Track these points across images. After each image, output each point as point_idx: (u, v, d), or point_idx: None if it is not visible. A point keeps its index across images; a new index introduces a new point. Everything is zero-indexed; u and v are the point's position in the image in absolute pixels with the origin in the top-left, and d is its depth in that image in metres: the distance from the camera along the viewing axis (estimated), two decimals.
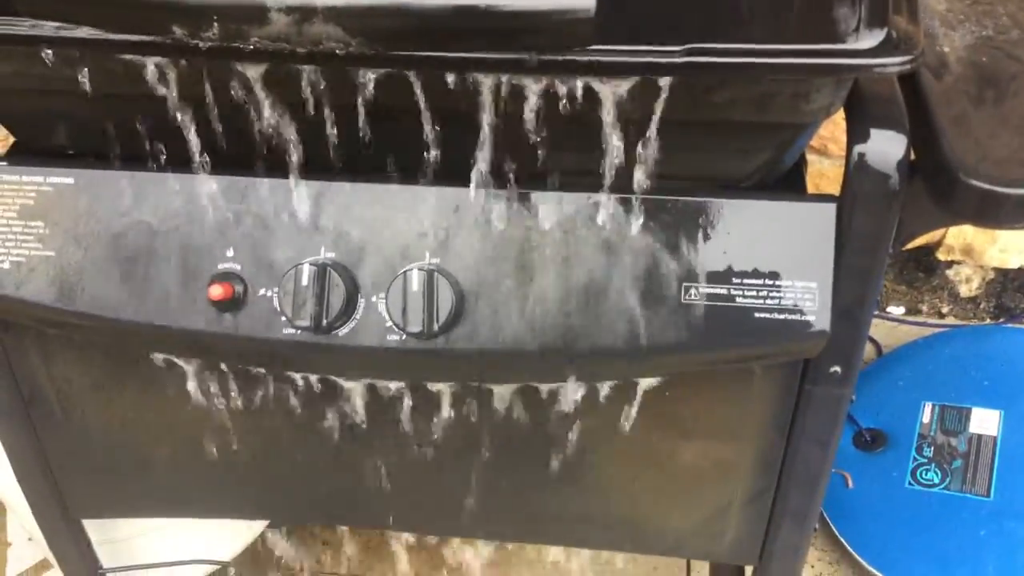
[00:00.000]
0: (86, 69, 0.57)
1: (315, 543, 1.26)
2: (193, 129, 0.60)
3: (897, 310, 1.51)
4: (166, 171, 0.64)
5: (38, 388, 0.78)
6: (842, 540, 1.16)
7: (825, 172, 1.22)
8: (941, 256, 1.45)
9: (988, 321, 1.50)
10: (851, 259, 0.61)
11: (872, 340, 1.41)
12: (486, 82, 0.54)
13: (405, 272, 0.62)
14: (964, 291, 1.48)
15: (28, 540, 1.20)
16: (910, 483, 1.17)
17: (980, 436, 1.19)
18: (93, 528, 0.92)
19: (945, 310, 1.50)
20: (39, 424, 0.81)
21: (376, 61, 0.52)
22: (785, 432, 0.71)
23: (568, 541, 0.86)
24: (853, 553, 1.15)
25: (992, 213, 0.56)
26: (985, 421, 1.20)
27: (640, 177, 0.60)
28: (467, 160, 0.61)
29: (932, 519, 1.13)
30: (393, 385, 0.71)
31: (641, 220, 0.62)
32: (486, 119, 0.56)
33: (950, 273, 1.47)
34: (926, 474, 1.17)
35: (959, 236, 1.41)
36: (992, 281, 1.47)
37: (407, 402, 0.72)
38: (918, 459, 1.19)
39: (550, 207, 0.62)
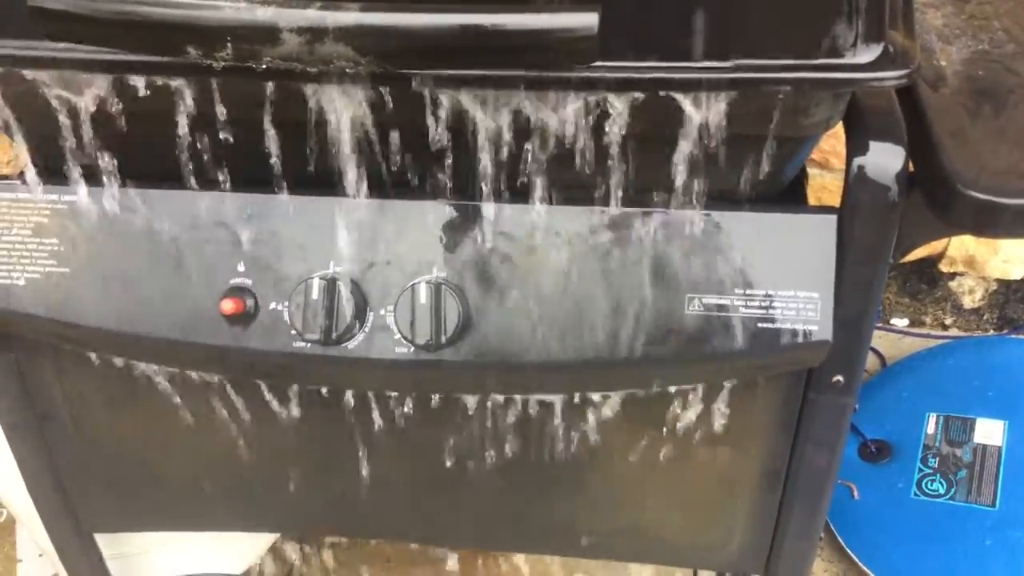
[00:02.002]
0: (101, 89, 0.58)
1: (325, 554, 1.26)
2: (206, 146, 0.62)
3: (901, 322, 1.51)
4: (178, 188, 0.66)
5: (51, 403, 0.79)
6: (848, 551, 1.16)
7: (827, 185, 1.23)
8: (944, 268, 1.45)
9: (991, 332, 1.50)
10: (852, 269, 0.62)
11: (876, 352, 1.41)
12: (491, 98, 0.55)
13: (413, 285, 0.63)
14: (967, 302, 1.49)
15: (39, 555, 1.21)
16: (915, 494, 1.17)
17: (985, 446, 1.19)
18: (105, 542, 0.93)
19: (948, 321, 1.51)
20: (51, 439, 0.82)
21: (385, 79, 0.53)
22: (790, 441, 0.72)
23: (574, 552, 0.87)
24: (859, 564, 1.15)
25: (990, 223, 0.57)
26: (989, 431, 1.21)
27: (644, 191, 0.61)
28: (474, 175, 0.62)
29: (937, 529, 1.13)
30: (402, 397, 0.72)
31: (646, 233, 0.63)
32: (492, 135, 0.57)
33: (953, 285, 1.48)
34: (931, 484, 1.18)
35: (961, 248, 1.42)
36: (995, 292, 1.47)
37: (416, 414, 0.73)
38: (923, 470, 1.19)
39: (555, 220, 0.63)
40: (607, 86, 0.53)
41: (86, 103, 0.59)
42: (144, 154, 0.64)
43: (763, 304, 0.63)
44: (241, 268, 0.66)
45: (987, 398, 1.25)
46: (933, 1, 0.75)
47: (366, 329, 0.65)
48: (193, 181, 0.65)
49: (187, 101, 0.58)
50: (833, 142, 1.17)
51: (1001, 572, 1.08)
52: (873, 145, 0.59)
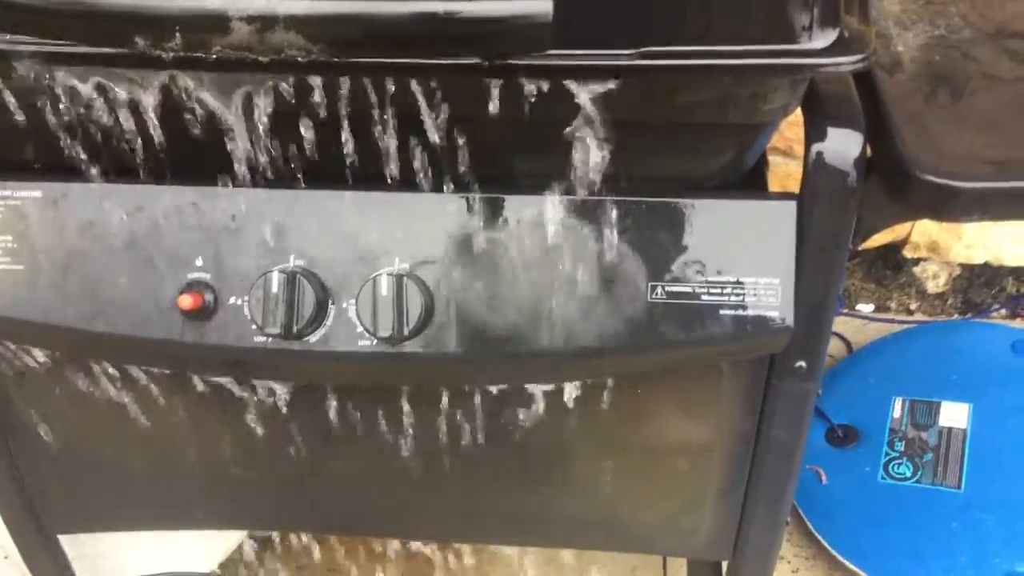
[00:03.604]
0: (48, 82, 0.57)
1: (294, 550, 1.25)
2: (162, 139, 0.61)
3: (866, 308, 1.53)
4: (134, 182, 0.65)
5: (10, 404, 0.78)
6: (817, 535, 1.17)
7: (791, 173, 1.23)
8: (908, 254, 1.47)
9: (955, 316, 1.52)
10: (812, 255, 0.62)
11: (842, 338, 1.42)
12: (447, 88, 0.54)
13: (375, 278, 0.63)
14: (931, 287, 1.50)
15: (4, 558, 1.19)
16: (882, 477, 1.18)
17: (950, 429, 1.21)
18: (69, 543, 0.92)
19: (913, 306, 1.52)
20: (12, 440, 0.81)
21: (337, 68, 0.53)
22: (754, 427, 0.72)
23: (543, 541, 0.87)
24: (828, 547, 1.16)
25: (947, 207, 0.58)
26: (954, 415, 1.22)
27: (604, 179, 0.61)
28: (433, 165, 0.61)
29: (905, 512, 1.15)
30: (366, 390, 0.72)
31: (607, 221, 0.63)
32: (449, 125, 0.57)
33: (917, 270, 1.49)
34: (898, 468, 1.19)
35: (925, 233, 1.43)
36: (959, 277, 1.49)
37: (380, 407, 0.73)
38: (890, 453, 1.20)
39: (516, 210, 0.63)
40: (562, 73, 0.52)
41: (35, 97, 0.58)
42: (100, 148, 0.63)
43: (724, 291, 0.63)
44: (199, 263, 0.65)
45: (952, 382, 1.26)
46: None
47: (328, 322, 0.64)
48: (149, 175, 0.64)
49: (141, 93, 0.57)
50: (797, 130, 1.17)
51: (967, 553, 1.09)
52: (831, 131, 0.59)
